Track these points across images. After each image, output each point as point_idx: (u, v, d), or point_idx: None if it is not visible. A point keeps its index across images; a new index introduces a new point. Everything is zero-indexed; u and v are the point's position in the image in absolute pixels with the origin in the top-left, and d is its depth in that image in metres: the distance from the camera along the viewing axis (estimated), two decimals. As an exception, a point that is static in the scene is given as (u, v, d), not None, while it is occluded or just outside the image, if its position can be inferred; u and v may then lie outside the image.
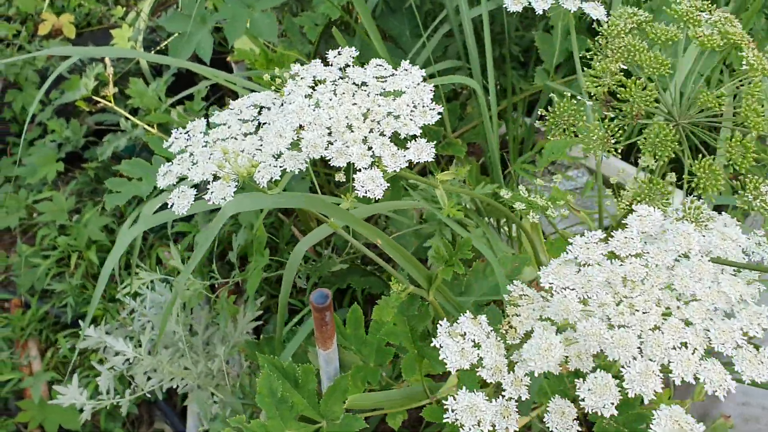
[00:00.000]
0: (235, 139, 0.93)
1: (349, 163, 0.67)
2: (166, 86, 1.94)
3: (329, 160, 0.67)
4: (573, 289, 0.53)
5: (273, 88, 0.98)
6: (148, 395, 1.46)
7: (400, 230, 1.62)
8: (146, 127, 2.02)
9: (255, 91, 1.55)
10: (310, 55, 1.89)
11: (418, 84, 0.70)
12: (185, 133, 0.96)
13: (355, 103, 0.68)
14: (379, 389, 1.30)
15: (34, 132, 2.40)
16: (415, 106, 0.68)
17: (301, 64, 1.88)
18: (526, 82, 2.07)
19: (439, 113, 0.67)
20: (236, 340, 1.62)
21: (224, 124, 0.95)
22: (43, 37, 2.48)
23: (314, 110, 0.68)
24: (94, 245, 2.08)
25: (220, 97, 2.55)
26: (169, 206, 0.92)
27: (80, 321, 2.05)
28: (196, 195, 0.91)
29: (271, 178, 0.85)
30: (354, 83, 0.70)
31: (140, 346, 1.46)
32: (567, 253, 0.58)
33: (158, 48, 2.38)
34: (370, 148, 0.67)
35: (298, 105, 0.68)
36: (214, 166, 0.89)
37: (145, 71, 2.19)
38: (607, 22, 0.64)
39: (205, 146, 0.93)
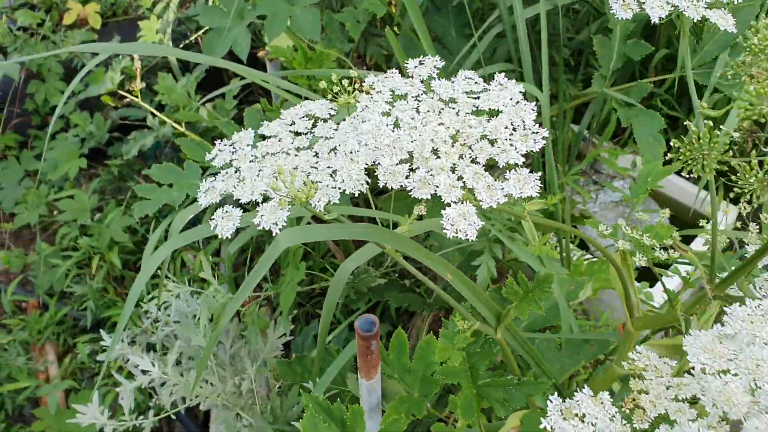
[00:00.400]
0: (287, 154, 0.82)
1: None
2: (196, 82, 1.84)
3: (410, 190, 0.56)
4: (735, 374, 0.43)
5: (329, 97, 0.87)
6: (173, 415, 1.36)
7: (442, 245, 1.52)
8: (174, 124, 1.92)
9: (292, 92, 1.45)
10: (350, 55, 1.78)
11: (518, 102, 0.59)
12: (230, 145, 0.86)
13: (442, 124, 0.57)
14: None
15: (56, 125, 2.31)
16: (514, 129, 0.58)
17: (340, 65, 1.76)
18: (575, 87, 1.96)
19: (544, 137, 0.56)
20: (266, 356, 1.52)
21: (274, 137, 0.84)
22: (67, 26, 2.39)
23: (393, 131, 0.57)
24: (117, 246, 1.99)
25: (249, 93, 2.45)
26: (212, 228, 0.82)
27: (100, 328, 1.97)
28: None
29: (329, 200, 0.75)
30: (440, 99, 0.59)
31: (164, 356, 1.37)
32: (723, 325, 0.47)
33: (187, 42, 2.29)
34: (460, 178, 0.56)
35: (375, 124, 0.58)
36: (263, 185, 0.78)
37: (173, 66, 2.09)
38: (755, 34, 0.53)
39: (253, 161, 0.83)
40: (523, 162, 0.56)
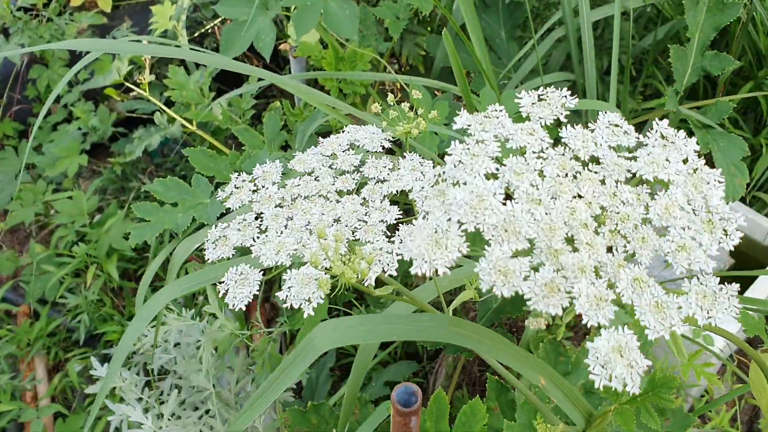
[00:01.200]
0: (326, 198, 0.62)
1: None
2: (210, 78, 1.64)
3: (528, 299, 0.37)
4: None
5: (384, 123, 0.68)
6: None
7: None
8: (184, 122, 1.73)
9: (325, 103, 1.25)
10: (384, 55, 1.58)
11: (696, 169, 0.39)
12: (250, 182, 0.67)
13: (580, 197, 0.37)
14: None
15: (58, 114, 2.12)
16: (693, 211, 0.38)
17: (374, 67, 1.52)
18: (634, 100, 1.75)
19: (739, 228, 0.36)
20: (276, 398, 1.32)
21: (309, 174, 0.64)
22: (75, 8, 2.20)
23: (505, 204, 0.37)
24: (116, 254, 1.80)
25: (268, 86, 2.25)
26: (220, 294, 0.62)
27: (94, 343, 1.79)
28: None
29: (384, 270, 0.55)
30: (575, 156, 0.39)
31: (160, 383, 1.18)
32: None
33: (203, 30, 2.09)
34: (611, 286, 0.36)
35: (476, 192, 0.38)
36: (293, 241, 0.58)
37: (186, 57, 1.89)
38: None
39: (280, 206, 0.63)
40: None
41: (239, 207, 0.65)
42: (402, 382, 0.84)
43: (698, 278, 0.38)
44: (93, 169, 2.11)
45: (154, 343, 1.13)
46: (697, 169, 0.40)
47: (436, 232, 0.39)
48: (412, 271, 0.40)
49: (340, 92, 1.43)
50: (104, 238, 1.77)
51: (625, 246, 0.38)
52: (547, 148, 0.42)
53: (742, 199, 1.74)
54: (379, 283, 0.57)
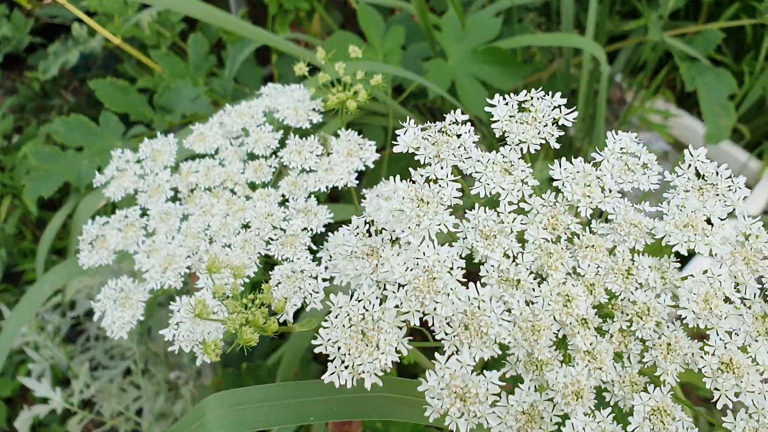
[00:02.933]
0: (233, 193, 0.48)
1: None
2: (135, -15, 1.42)
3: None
4: None
5: (312, 90, 0.53)
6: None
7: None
8: (109, 35, 1.52)
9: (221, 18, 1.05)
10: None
11: (749, 235, 0.26)
12: (137, 162, 0.52)
13: (579, 274, 0.24)
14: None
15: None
16: (743, 301, 0.25)
17: None
18: (611, 22, 1.59)
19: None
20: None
21: (211, 156, 0.50)
22: None
23: (467, 287, 0.24)
24: (36, 182, 1.62)
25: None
26: (96, 317, 0.49)
27: (15, 280, 1.64)
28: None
29: (305, 304, 0.43)
30: (570, 207, 0.26)
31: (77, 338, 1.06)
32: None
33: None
34: (620, 418, 0.24)
35: (424, 265, 0.24)
36: (185, 252, 0.45)
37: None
38: None
39: (173, 199, 0.49)
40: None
41: (123, 197, 0.50)
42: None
43: (746, 411, 0.26)
44: (9, 85, 1.89)
45: (62, 303, 0.99)
46: (749, 234, 0.27)
47: (363, 318, 0.26)
48: (325, 379, 0.27)
49: (281, 8, 1.25)
50: (21, 165, 1.58)
51: (641, 355, 0.26)
52: (531, 195, 0.28)
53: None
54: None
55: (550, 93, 0.32)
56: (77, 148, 0.92)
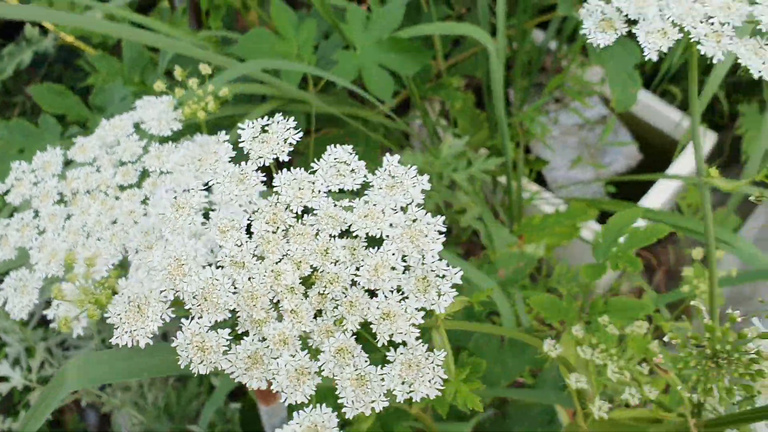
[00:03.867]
0: (106, 195, 0.58)
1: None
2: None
3: (231, 374, 0.34)
4: None
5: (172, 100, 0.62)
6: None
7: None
8: (62, 35, 1.60)
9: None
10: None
11: (415, 219, 0.36)
12: (31, 172, 0.62)
13: (289, 255, 0.34)
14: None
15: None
16: (407, 269, 0.35)
17: None
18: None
19: (456, 285, 0.34)
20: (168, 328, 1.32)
21: (90, 164, 0.59)
22: None
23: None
24: None
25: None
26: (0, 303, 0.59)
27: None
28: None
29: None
30: (288, 207, 0.36)
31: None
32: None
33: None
34: (315, 354, 0.34)
35: (175, 255, 0.34)
36: (67, 246, 0.55)
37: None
38: None
39: (61, 202, 0.59)
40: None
41: (20, 203, 0.60)
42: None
43: (405, 345, 0.36)
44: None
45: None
46: (416, 219, 0.37)
47: (137, 296, 0.36)
48: (113, 341, 0.37)
49: (212, 3, 1.33)
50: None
51: (334, 311, 0.36)
52: (257, 198, 0.38)
53: (654, 92, 1.74)
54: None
55: (287, 118, 0.42)
56: (19, 150, 1.01)
